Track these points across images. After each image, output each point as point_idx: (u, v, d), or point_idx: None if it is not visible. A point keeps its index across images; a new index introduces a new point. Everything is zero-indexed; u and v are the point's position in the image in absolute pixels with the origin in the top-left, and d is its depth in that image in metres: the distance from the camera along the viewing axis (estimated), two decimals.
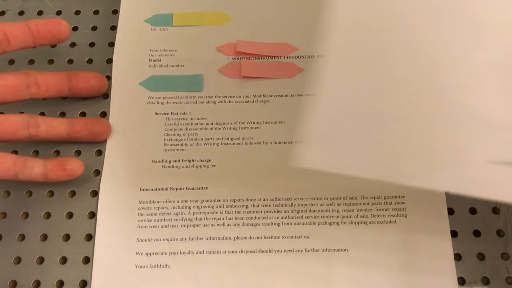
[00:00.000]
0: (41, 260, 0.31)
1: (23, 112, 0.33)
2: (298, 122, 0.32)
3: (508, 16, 0.24)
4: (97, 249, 0.31)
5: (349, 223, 0.31)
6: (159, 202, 0.32)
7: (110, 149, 0.34)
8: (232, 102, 0.34)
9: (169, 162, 0.33)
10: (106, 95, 0.35)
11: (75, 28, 0.38)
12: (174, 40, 0.36)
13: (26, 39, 0.30)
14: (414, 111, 0.24)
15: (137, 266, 0.31)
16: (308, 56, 0.35)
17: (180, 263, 0.30)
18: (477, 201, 0.31)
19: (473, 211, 0.31)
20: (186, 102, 0.35)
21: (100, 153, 0.34)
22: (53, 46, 0.37)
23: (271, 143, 0.33)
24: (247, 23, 0.36)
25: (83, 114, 0.35)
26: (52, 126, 0.32)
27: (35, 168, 0.30)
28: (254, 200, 0.32)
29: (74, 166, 0.31)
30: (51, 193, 0.33)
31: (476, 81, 0.24)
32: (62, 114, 0.35)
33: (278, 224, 0.31)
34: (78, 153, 0.34)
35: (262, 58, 0.35)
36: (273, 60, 0.35)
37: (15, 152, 0.34)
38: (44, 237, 0.32)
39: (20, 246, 0.32)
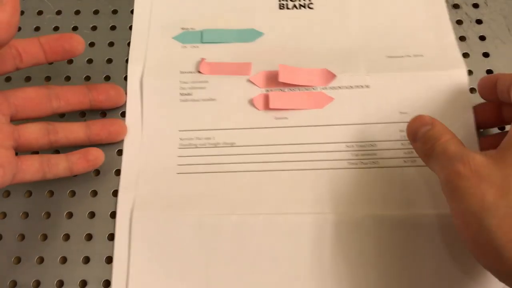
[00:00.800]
0: (41, 260, 0.31)
1: None
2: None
3: None
4: (117, 250, 0.31)
5: None
6: None
7: (126, 150, 0.34)
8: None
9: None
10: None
11: (75, 28, 0.38)
12: None
13: (38, 55, 0.30)
14: None
15: None
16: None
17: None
18: None
19: None
20: None
21: None
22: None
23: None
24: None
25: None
26: (71, 131, 0.32)
27: (60, 164, 0.31)
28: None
29: (97, 155, 0.31)
30: (51, 193, 0.33)
31: None
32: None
33: None
34: None
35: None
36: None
37: None
38: (44, 237, 0.32)
39: (20, 246, 0.32)
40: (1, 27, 0.25)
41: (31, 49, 0.30)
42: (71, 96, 0.32)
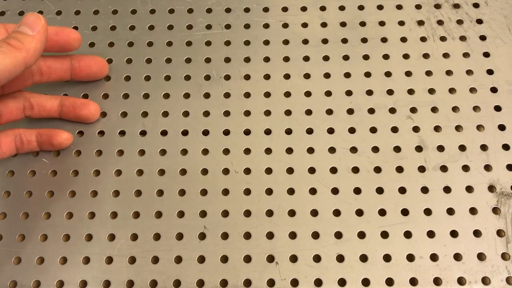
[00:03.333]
0: (41, 260, 0.31)
1: None
2: None
3: None
4: None
5: None
6: None
7: None
8: None
9: None
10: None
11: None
12: None
13: None
14: None
15: None
16: None
17: None
18: (477, 201, 0.31)
19: (473, 211, 0.31)
20: None
21: (100, 153, 0.34)
22: None
23: None
24: None
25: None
26: (44, 108, 0.33)
27: (31, 143, 0.33)
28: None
29: (61, 140, 0.33)
30: (51, 193, 0.33)
31: None
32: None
33: None
34: (78, 153, 0.34)
35: None
36: None
37: None
38: (44, 237, 0.32)
39: (20, 246, 0.32)
40: (32, 54, 0.28)
41: None
42: (54, 72, 0.33)
